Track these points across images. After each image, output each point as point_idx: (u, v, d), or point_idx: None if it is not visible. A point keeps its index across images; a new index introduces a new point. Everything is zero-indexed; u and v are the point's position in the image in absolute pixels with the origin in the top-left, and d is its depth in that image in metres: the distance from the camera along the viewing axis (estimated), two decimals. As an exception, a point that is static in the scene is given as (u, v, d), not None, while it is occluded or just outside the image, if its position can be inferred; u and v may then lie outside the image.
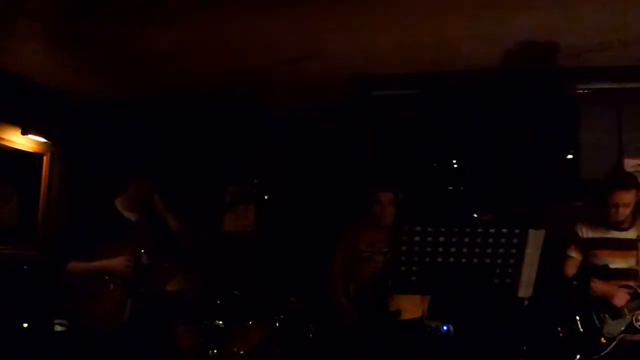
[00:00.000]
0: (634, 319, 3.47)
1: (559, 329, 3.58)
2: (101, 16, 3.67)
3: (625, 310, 3.47)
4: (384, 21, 3.77)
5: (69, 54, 4.32)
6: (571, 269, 3.73)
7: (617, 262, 3.60)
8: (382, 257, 3.90)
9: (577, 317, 3.55)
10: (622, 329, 3.46)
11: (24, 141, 4.94)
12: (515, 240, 2.62)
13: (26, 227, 4.98)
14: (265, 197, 3.60)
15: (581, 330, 3.52)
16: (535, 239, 2.67)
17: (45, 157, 5.16)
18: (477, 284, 2.69)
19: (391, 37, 4.01)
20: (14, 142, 4.86)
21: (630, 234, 3.63)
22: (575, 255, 3.73)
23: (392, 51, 4.25)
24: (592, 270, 3.66)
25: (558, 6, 3.52)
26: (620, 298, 3.49)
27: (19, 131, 4.88)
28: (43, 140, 5.08)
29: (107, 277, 3.23)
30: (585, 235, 3.70)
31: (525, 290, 2.71)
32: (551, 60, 4.36)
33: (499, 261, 2.64)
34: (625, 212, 3.59)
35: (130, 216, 3.44)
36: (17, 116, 4.84)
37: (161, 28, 3.83)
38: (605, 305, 3.52)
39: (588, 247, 3.69)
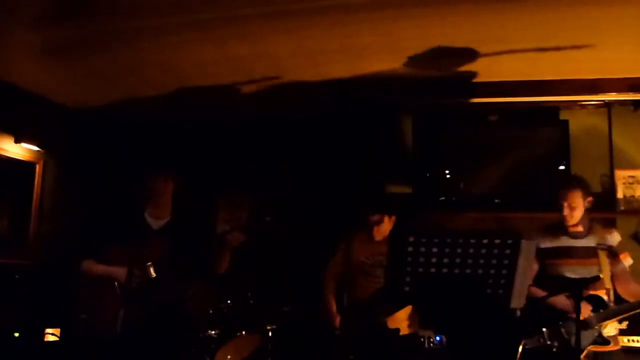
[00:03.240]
0: (602, 330, 3.43)
1: (523, 341, 3.53)
2: (95, 25, 3.68)
3: (594, 321, 3.40)
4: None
5: (62, 63, 4.32)
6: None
7: (578, 272, 3.55)
8: (381, 270, 3.89)
9: (544, 329, 3.50)
10: (591, 340, 3.42)
11: (16, 149, 4.92)
12: (508, 251, 2.63)
13: (18, 235, 4.95)
14: (268, 218, 3.59)
15: (548, 342, 3.46)
16: (528, 249, 2.69)
17: (37, 166, 5.14)
18: (470, 295, 2.70)
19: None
20: (6, 151, 4.84)
21: (590, 242, 3.61)
22: (533, 265, 3.63)
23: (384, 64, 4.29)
24: (551, 281, 3.61)
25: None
26: (582, 311, 3.36)
27: (12, 140, 4.86)
28: (36, 148, 5.07)
29: (109, 285, 3.23)
30: (542, 245, 3.66)
31: (517, 300, 2.72)
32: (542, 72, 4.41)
33: (492, 272, 2.65)
34: (574, 213, 3.58)
35: (154, 224, 3.45)
36: (10, 125, 4.82)
37: (158, 38, 3.84)
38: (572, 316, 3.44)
39: (546, 256, 3.65)
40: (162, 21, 3.59)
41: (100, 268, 3.31)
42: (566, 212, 3.59)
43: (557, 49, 3.89)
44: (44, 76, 4.57)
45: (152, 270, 3.30)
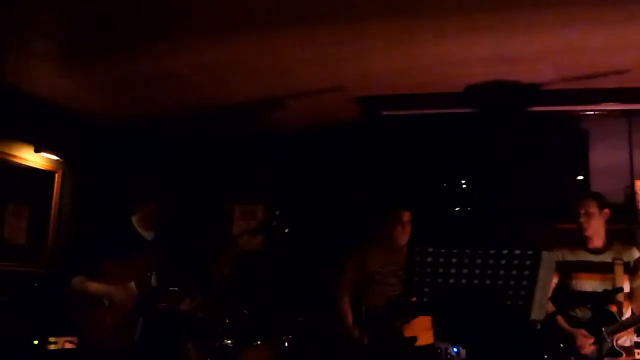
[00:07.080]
0: (614, 342, 3.47)
1: (545, 356, 3.55)
2: (115, 36, 3.71)
3: (605, 334, 3.42)
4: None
5: (82, 73, 4.37)
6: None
7: (594, 286, 3.59)
8: (396, 279, 3.87)
9: (561, 344, 3.53)
10: (604, 352, 3.42)
11: (36, 159, 4.98)
12: (528, 262, 2.61)
13: (37, 244, 5.00)
14: (286, 230, 3.59)
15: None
16: (548, 260, 2.66)
17: (56, 175, 5.20)
18: (490, 306, 2.68)
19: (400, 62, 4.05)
20: (26, 160, 4.90)
21: (607, 257, 3.65)
22: (553, 278, 3.68)
23: (401, 74, 4.28)
24: (568, 294, 3.66)
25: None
26: (583, 346, 3.47)
27: (32, 149, 4.92)
28: (55, 158, 5.12)
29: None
30: (562, 258, 3.72)
31: (537, 312, 2.70)
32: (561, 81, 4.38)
33: (512, 283, 2.63)
34: (591, 222, 3.64)
35: (146, 235, 3.43)
36: (30, 134, 4.90)
37: (175, 50, 3.86)
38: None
39: (566, 270, 3.69)
40: (182, 33, 3.62)
41: (95, 287, 3.24)
42: (583, 219, 3.66)
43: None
44: (63, 87, 4.61)
45: (154, 279, 3.29)
